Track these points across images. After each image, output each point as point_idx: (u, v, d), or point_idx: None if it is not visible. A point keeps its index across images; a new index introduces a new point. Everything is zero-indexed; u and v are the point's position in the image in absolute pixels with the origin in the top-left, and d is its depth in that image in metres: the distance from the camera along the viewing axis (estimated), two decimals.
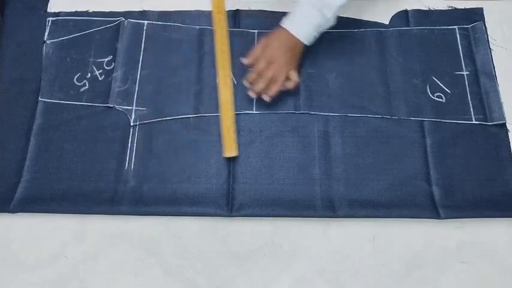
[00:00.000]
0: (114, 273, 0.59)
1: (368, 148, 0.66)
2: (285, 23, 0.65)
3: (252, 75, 0.65)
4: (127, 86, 0.69)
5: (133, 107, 0.68)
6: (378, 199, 0.62)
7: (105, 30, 0.73)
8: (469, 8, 0.75)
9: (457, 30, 0.74)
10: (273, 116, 0.68)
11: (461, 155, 0.65)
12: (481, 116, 0.68)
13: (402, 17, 0.74)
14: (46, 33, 0.73)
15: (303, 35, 0.64)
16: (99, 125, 0.67)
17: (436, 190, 0.63)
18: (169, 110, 0.68)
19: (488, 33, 0.73)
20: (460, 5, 0.76)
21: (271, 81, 0.64)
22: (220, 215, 0.62)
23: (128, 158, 0.65)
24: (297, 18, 0.64)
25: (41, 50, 0.72)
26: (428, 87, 0.70)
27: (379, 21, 0.74)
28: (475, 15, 0.75)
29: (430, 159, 0.65)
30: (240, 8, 0.75)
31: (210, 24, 0.74)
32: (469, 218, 0.62)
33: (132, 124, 0.67)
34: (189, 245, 0.61)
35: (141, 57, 0.71)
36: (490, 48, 0.72)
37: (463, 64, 0.71)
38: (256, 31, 0.73)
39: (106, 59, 0.71)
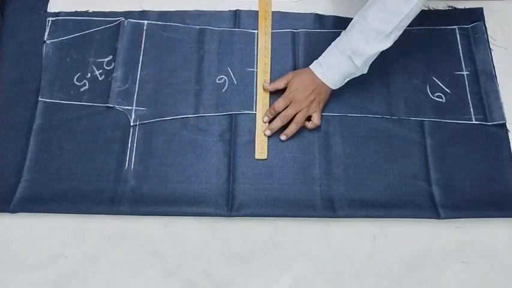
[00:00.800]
0: (114, 273, 0.59)
1: (368, 148, 0.66)
2: (314, 67, 0.64)
3: (271, 111, 0.66)
4: (127, 86, 0.69)
5: (133, 107, 0.68)
6: (378, 199, 0.63)
7: (105, 30, 0.73)
8: (469, 8, 0.75)
9: (457, 30, 0.74)
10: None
11: (461, 155, 0.65)
12: (481, 116, 0.68)
13: None
14: (46, 33, 0.73)
15: (331, 82, 0.64)
16: (99, 125, 0.67)
17: (436, 190, 0.63)
18: (169, 110, 0.68)
19: (488, 33, 0.73)
20: (460, 5, 0.76)
21: (290, 121, 0.65)
22: (220, 215, 0.62)
23: (127, 158, 0.65)
24: (327, 64, 0.63)
25: (41, 50, 0.72)
26: (428, 87, 0.70)
27: None
28: (475, 15, 0.75)
29: (430, 159, 0.65)
30: (240, 8, 0.75)
31: (210, 24, 0.74)
32: (469, 218, 0.62)
33: (132, 124, 0.67)
34: (189, 245, 0.61)
35: (141, 57, 0.71)
36: (490, 48, 0.72)
37: (463, 64, 0.71)
38: (256, 31, 0.73)
39: (106, 59, 0.71)
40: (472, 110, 0.68)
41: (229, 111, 0.68)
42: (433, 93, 0.70)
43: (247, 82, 0.70)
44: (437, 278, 0.59)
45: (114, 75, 0.70)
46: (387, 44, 0.60)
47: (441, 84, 0.70)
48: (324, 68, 0.63)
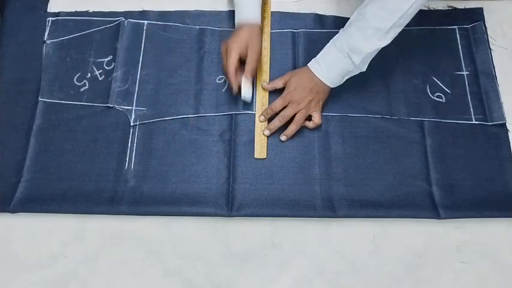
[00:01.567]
0: (114, 273, 0.59)
1: (368, 148, 0.66)
2: (312, 66, 0.64)
3: (268, 111, 0.65)
4: (127, 86, 0.69)
5: (134, 107, 0.68)
6: (378, 199, 0.63)
7: (105, 30, 0.73)
8: (469, 8, 0.75)
9: (457, 30, 0.74)
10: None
11: (461, 155, 0.65)
12: (481, 116, 0.68)
13: None
14: (46, 33, 0.73)
15: (329, 80, 0.64)
16: (99, 125, 0.67)
17: (436, 190, 0.63)
18: (169, 110, 0.68)
19: (488, 33, 0.73)
20: (460, 5, 0.76)
21: (289, 121, 0.64)
22: (220, 215, 0.62)
23: (127, 158, 0.65)
24: (325, 62, 0.63)
25: (41, 50, 0.72)
26: (428, 87, 0.70)
27: None
28: (475, 15, 0.75)
29: (430, 159, 0.65)
30: None
31: (210, 24, 0.74)
32: (469, 218, 0.62)
33: (132, 124, 0.67)
34: (188, 245, 0.61)
35: (141, 57, 0.71)
36: (490, 48, 0.72)
37: (463, 64, 0.71)
38: None
39: (106, 59, 0.71)
40: (472, 110, 0.68)
41: (229, 111, 0.68)
42: (433, 93, 0.70)
43: None
44: (437, 278, 0.59)
45: (114, 75, 0.70)
46: (385, 42, 0.60)
47: (441, 84, 0.70)
48: (322, 66, 0.63)
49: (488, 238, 0.61)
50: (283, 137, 0.65)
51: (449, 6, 0.76)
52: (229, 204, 0.62)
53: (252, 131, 0.67)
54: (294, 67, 0.71)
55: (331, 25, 0.74)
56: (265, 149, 0.65)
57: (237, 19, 0.67)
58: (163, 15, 0.74)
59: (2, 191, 0.63)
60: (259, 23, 0.67)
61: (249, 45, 0.63)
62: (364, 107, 0.68)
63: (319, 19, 0.75)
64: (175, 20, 0.74)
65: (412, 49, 0.72)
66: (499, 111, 0.67)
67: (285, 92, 0.65)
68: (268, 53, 0.71)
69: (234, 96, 0.68)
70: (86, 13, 0.75)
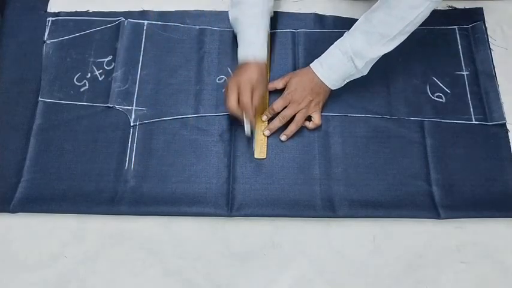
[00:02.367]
0: (114, 273, 0.59)
1: (368, 148, 0.66)
2: (315, 66, 0.64)
3: (269, 111, 0.65)
4: (127, 86, 0.69)
5: (133, 107, 0.68)
6: (378, 199, 0.63)
7: (105, 30, 0.73)
8: (469, 8, 0.75)
9: (457, 30, 0.74)
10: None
11: (461, 155, 0.65)
12: (481, 116, 0.68)
13: None
14: (46, 33, 0.73)
15: (330, 82, 0.64)
16: (99, 125, 0.67)
17: (436, 190, 0.63)
18: (169, 110, 0.68)
19: (488, 33, 0.73)
20: (460, 5, 0.76)
21: (289, 121, 0.64)
22: (220, 215, 0.62)
23: (127, 158, 0.65)
24: (327, 64, 0.63)
25: (41, 50, 0.72)
26: (428, 87, 0.70)
27: None
28: (475, 15, 0.75)
29: (430, 159, 0.65)
30: None
31: (210, 24, 0.74)
32: (469, 218, 0.62)
33: (132, 124, 0.67)
34: (188, 245, 0.61)
35: (141, 57, 0.71)
36: (490, 48, 0.72)
37: (463, 64, 0.71)
38: None
39: (106, 59, 0.71)
40: (472, 110, 0.68)
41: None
42: (433, 93, 0.70)
43: None
44: (437, 278, 0.59)
45: (114, 75, 0.70)
46: (390, 48, 0.60)
47: (441, 84, 0.70)
48: (324, 68, 0.63)
49: (488, 238, 0.61)
50: (283, 137, 0.65)
51: (449, 6, 0.76)
52: (229, 204, 0.62)
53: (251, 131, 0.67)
54: (294, 67, 0.71)
55: (331, 25, 0.74)
56: (265, 149, 0.65)
57: (243, 55, 0.64)
58: (163, 15, 0.74)
59: (2, 191, 0.63)
60: (266, 62, 0.65)
61: (255, 86, 0.61)
62: (364, 107, 0.68)
63: (319, 19, 0.75)
64: (175, 20, 0.74)
65: (412, 49, 0.71)
66: (499, 111, 0.67)
67: (285, 92, 0.65)
68: (268, 53, 0.71)
69: None
70: (86, 13, 0.75)
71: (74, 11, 0.75)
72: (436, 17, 0.74)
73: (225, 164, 0.65)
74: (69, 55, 0.72)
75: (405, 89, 0.70)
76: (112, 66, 0.70)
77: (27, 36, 0.73)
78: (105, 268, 0.60)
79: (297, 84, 0.64)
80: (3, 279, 0.59)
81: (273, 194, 0.63)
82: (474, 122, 0.68)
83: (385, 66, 0.70)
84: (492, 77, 0.70)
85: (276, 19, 0.74)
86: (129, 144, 0.66)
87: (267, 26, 0.67)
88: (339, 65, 0.62)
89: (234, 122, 0.66)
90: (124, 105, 0.68)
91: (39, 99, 0.69)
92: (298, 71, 0.67)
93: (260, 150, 0.65)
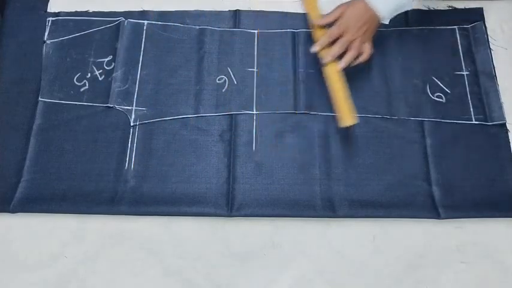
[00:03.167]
0: (114, 273, 0.59)
1: (368, 148, 0.66)
2: None
3: (324, 39, 0.64)
4: (127, 86, 0.69)
5: (133, 107, 0.68)
6: (377, 199, 0.63)
7: (105, 30, 0.73)
8: (469, 8, 0.75)
9: (457, 30, 0.74)
10: (273, 116, 0.68)
11: (461, 155, 0.65)
12: (481, 116, 0.68)
13: (402, 17, 0.74)
14: (46, 33, 0.73)
15: (385, 11, 0.63)
16: (99, 125, 0.67)
17: (436, 190, 0.63)
18: (169, 110, 0.68)
19: (488, 33, 0.73)
20: (460, 5, 0.76)
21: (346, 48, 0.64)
22: (220, 215, 0.62)
23: (127, 158, 0.65)
24: None
25: (41, 50, 0.72)
26: (428, 87, 0.70)
27: None
28: (475, 15, 0.75)
29: (430, 159, 0.65)
30: (240, 8, 0.75)
31: (210, 24, 0.74)
32: (469, 218, 0.62)
33: (132, 124, 0.67)
34: (188, 245, 0.61)
35: (141, 57, 0.71)
36: (490, 48, 0.72)
37: (463, 64, 0.71)
38: (256, 31, 0.73)
39: (106, 59, 0.71)
40: (472, 110, 0.68)
41: (229, 111, 0.68)
42: (433, 93, 0.70)
43: (247, 82, 0.70)
44: (437, 278, 0.59)
45: (114, 75, 0.70)
46: None
47: (441, 84, 0.70)
48: None
49: (488, 238, 0.61)
50: (342, 64, 0.64)
51: (449, 6, 0.76)
52: (229, 204, 0.62)
53: (251, 131, 0.67)
54: (294, 67, 0.71)
55: (331, 25, 0.74)
56: (352, 112, 0.62)
57: None
58: (163, 15, 0.74)
59: (2, 191, 0.63)
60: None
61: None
62: (364, 107, 0.68)
63: None
64: (175, 20, 0.74)
65: (412, 49, 0.72)
66: (499, 111, 0.67)
67: (340, 21, 0.64)
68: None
69: (234, 96, 0.68)
70: (86, 13, 0.75)
71: (74, 11, 0.75)
72: (436, 17, 0.75)
73: (225, 164, 0.65)
74: (69, 55, 0.72)
75: (405, 89, 0.70)
76: (112, 66, 0.70)
77: (27, 36, 0.73)
78: (105, 268, 0.60)
79: (351, 13, 0.64)
80: (3, 279, 0.59)
81: (273, 194, 0.63)
82: (474, 122, 0.68)
83: (385, 66, 0.70)
84: (492, 77, 0.70)
85: (276, 19, 0.74)
86: (129, 144, 0.66)
87: None
88: None
89: (234, 121, 0.66)
90: (124, 105, 0.68)
91: (39, 99, 0.69)
92: (349, 1, 0.65)
93: (348, 114, 0.62)
